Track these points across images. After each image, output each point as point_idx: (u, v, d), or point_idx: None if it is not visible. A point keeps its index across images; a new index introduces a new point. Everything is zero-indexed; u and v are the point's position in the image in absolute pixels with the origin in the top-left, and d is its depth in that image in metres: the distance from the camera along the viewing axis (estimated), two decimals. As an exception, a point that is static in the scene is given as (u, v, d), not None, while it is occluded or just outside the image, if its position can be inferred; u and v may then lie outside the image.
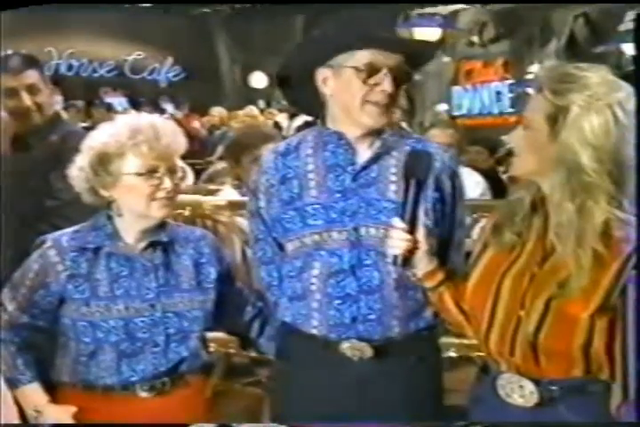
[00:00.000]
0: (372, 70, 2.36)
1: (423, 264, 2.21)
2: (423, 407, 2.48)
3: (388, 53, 2.38)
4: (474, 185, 5.01)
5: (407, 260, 2.18)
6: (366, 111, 2.38)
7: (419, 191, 2.17)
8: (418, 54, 2.48)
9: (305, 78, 2.46)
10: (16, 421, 2.31)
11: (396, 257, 2.17)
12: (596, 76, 1.98)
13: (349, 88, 2.38)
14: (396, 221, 2.17)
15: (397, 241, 2.16)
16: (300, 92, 2.54)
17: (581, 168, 1.94)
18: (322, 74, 2.43)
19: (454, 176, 2.52)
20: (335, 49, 2.41)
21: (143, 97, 15.81)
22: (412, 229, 2.16)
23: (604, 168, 1.93)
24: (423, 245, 2.18)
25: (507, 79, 12.27)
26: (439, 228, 2.45)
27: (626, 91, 1.98)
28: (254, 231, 2.59)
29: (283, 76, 2.55)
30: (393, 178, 2.41)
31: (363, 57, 2.37)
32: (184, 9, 16.04)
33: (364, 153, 2.44)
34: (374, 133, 2.45)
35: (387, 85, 2.37)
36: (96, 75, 16.99)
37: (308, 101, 2.53)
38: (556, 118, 1.96)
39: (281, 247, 2.53)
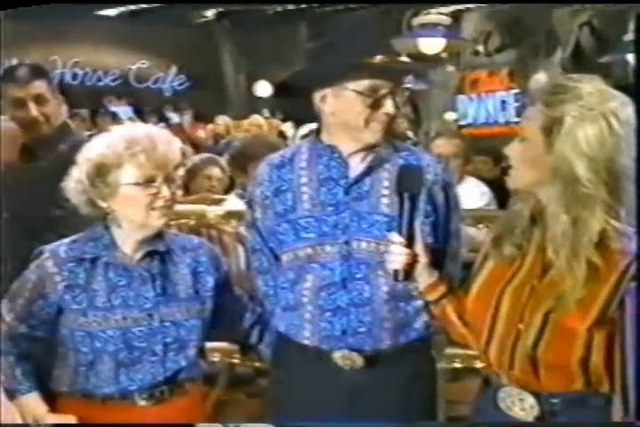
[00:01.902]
0: (373, 94, 2.40)
1: (424, 277, 2.21)
2: (416, 417, 2.49)
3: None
4: (479, 195, 5.00)
5: (408, 274, 2.18)
6: (370, 129, 2.41)
7: (413, 205, 2.17)
8: (410, 70, 2.51)
9: (301, 95, 2.50)
10: (17, 421, 2.32)
11: (396, 272, 2.17)
12: (588, 86, 1.97)
13: (352, 109, 2.42)
14: (394, 236, 2.16)
15: (397, 256, 2.16)
16: (293, 105, 2.56)
17: (577, 179, 1.93)
18: (320, 92, 2.46)
19: (447, 187, 2.54)
20: (331, 80, 2.43)
21: (148, 106, 15.80)
22: (409, 243, 2.16)
23: (599, 178, 1.93)
24: (423, 259, 2.18)
25: (512, 89, 12.24)
26: (434, 239, 2.48)
27: (619, 100, 1.97)
28: (251, 242, 2.64)
29: (280, 91, 2.57)
30: (385, 192, 2.44)
31: (365, 81, 2.40)
32: (188, 16, 16.04)
33: (357, 166, 2.47)
34: (368, 147, 2.47)
35: (389, 108, 2.41)
36: (101, 83, 16.97)
37: (303, 113, 2.55)
38: (550, 130, 1.95)
39: (277, 258, 2.55)
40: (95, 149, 2.43)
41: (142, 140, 2.39)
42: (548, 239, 2.02)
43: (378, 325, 2.43)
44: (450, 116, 12.48)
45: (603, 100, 1.95)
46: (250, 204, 2.60)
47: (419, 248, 2.17)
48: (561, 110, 1.94)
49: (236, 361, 3.83)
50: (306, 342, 2.46)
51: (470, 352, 3.32)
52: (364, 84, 2.40)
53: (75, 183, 2.44)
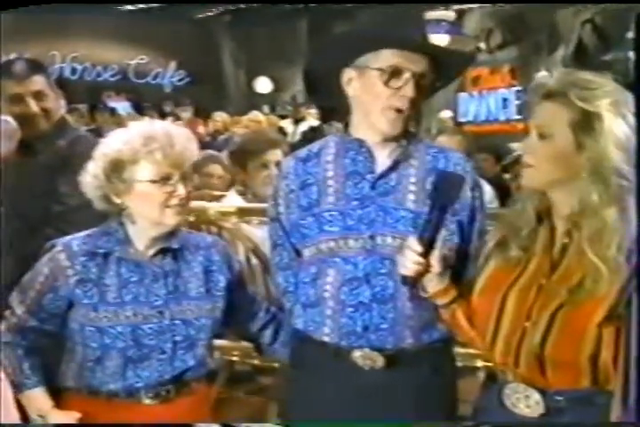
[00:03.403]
0: (395, 73, 2.35)
1: (433, 284, 2.20)
2: (434, 418, 2.46)
3: (415, 57, 2.36)
4: (483, 193, 4.98)
5: (416, 281, 2.18)
6: (385, 117, 2.37)
7: (443, 213, 2.16)
8: (448, 64, 2.45)
9: (331, 80, 2.45)
10: (16, 421, 2.30)
11: (405, 277, 2.17)
12: (608, 83, 1.99)
13: (372, 90, 2.37)
14: (413, 243, 2.15)
15: (410, 263, 2.15)
16: (327, 96, 2.55)
17: (619, 173, 1.94)
18: (347, 74, 2.43)
19: (476, 187, 2.51)
20: (362, 47, 2.39)
21: (147, 101, 15.83)
22: (427, 251, 2.15)
23: (634, 171, 1.93)
24: (435, 269, 2.17)
25: (513, 86, 12.27)
26: (459, 239, 2.44)
27: (630, 96, 1.98)
28: (273, 237, 2.59)
29: (309, 78, 2.54)
30: (412, 187, 2.40)
31: (388, 59, 2.35)
32: (188, 12, 16.05)
33: (384, 161, 2.44)
34: (394, 141, 2.44)
35: (409, 90, 2.35)
36: (100, 79, 17.01)
37: (335, 106, 2.53)
38: (584, 125, 1.95)
39: (299, 253, 2.52)
40: (112, 144, 2.42)
41: (160, 137, 2.38)
42: (586, 237, 1.99)
43: (401, 322, 2.39)
44: (445, 114, 12.45)
45: (624, 97, 1.97)
46: (274, 198, 2.56)
47: (434, 258, 2.16)
48: (596, 106, 1.95)
49: (235, 359, 3.81)
50: (326, 338, 2.43)
51: (471, 351, 3.31)
52: (387, 61, 2.35)
53: (91, 178, 2.43)
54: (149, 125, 2.45)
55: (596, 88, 1.97)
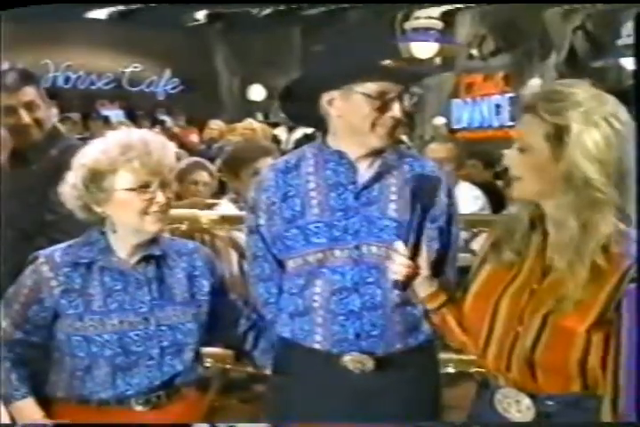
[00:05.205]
0: (382, 97, 2.40)
1: (424, 288, 2.20)
2: (421, 417, 2.49)
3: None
4: (473, 200, 5.00)
5: (407, 284, 2.17)
6: (376, 133, 2.41)
7: (424, 217, 2.17)
8: (418, 76, 2.51)
9: (308, 98, 2.48)
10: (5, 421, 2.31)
11: (396, 282, 2.16)
12: (582, 91, 1.98)
13: (359, 113, 2.42)
14: (399, 246, 2.16)
15: (399, 267, 2.15)
16: (300, 109, 2.56)
17: (590, 184, 1.93)
18: (328, 95, 2.45)
19: (450, 193, 2.56)
20: (340, 82, 2.43)
21: (140, 109, 15.81)
22: (414, 254, 2.16)
23: (610, 181, 1.93)
24: (425, 271, 2.18)
25: (507, 92, 12.32)
26: (438, 244, 2.48)
27: (614, 102, 1.99)
28: (252, 248, 2.60)
29: (284, 95, 2.57)
30: (393, 197, 2.44)
31: (373, 84, 2.40)
32: (181, 20, 16.03)
33: (365, 172, 2.47)
34: (375, 153, 2.47)
35: (397, 111, 2.42)
36: (93, 87, 16.98)
37: (308, 117, 2.55)
38: (557, 138, 1.95)
39: (280, 264, 2.54)
40: (90, 154, 2.42)
41: (137, 145, 2.39)
42: (552, 244, 2.02)
43: (390, 328, 2.43)
44: (439, 120, 12.48)
45: (600, 104, 1.96)
46: (253, 209, 2.57)
47: (422, 261, 2.17)
48: (565, 118, 1.95)
49: (228, 366, 3.81)
50: (316, 346, 2.45)
51: (464, 357, 3.32)
52: (372, 87, 2.40)
53: (70, 188, 2.44)
54: (126, 134, 2.46)
55: (563, 99, 1.96)
